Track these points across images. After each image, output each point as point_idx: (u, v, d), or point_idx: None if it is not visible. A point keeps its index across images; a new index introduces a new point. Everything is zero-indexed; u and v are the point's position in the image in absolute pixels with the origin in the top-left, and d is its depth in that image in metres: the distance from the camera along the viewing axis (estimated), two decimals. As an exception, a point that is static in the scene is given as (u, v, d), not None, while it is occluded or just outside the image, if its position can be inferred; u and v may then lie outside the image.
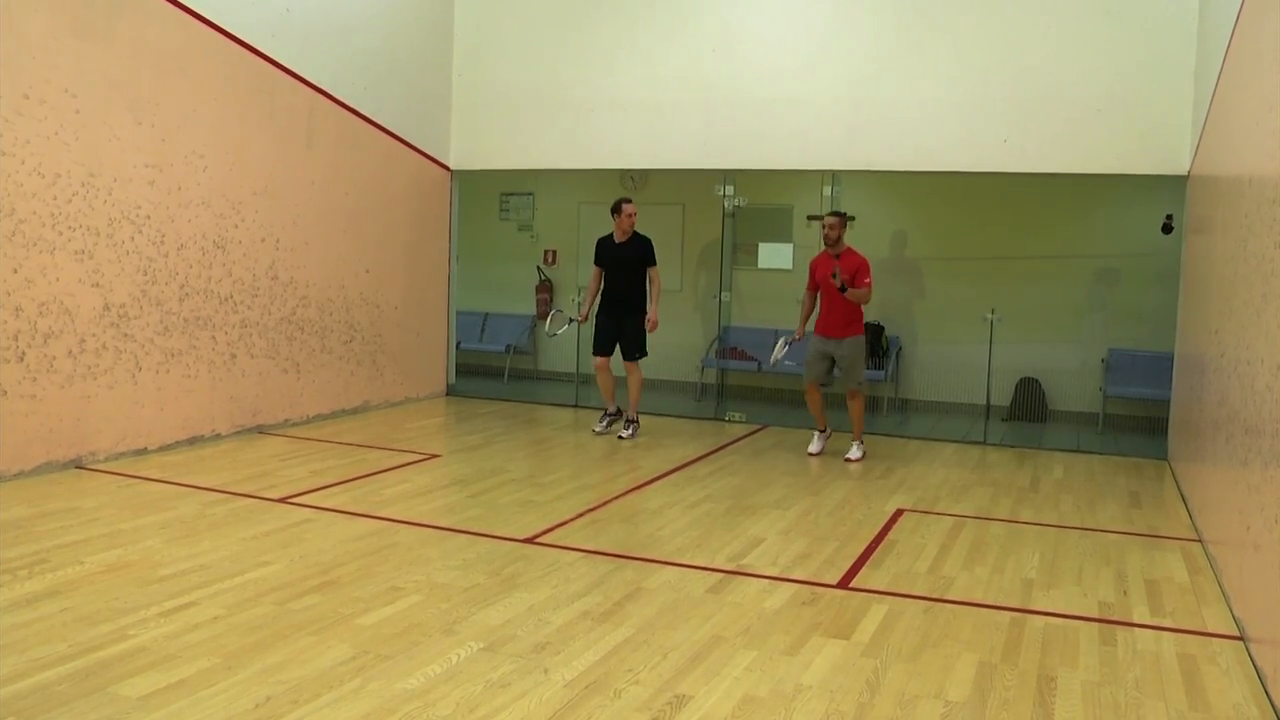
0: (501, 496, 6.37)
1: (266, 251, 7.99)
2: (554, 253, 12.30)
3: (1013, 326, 10.12)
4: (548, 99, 9.94)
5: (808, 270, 8.03)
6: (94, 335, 6.59)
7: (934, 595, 4.72)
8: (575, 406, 10.25)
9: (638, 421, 8.64)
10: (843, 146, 9.06)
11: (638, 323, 8.45)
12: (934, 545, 5.58)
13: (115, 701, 3.29)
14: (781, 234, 10.71)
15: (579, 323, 8.98)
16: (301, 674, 3.56)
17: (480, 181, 11.17)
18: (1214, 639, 4.27)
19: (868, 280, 7.76)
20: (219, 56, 7.46)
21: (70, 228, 6.38)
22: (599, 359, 8.58)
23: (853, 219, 10.13)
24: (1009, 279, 10.29)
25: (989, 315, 10.03)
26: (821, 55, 9.13)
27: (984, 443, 9.01)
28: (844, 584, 4.86)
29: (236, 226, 7.68)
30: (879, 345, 10.62)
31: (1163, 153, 8.26)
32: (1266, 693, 3.68)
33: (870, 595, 4.69)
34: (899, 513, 6.30)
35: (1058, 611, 4.55)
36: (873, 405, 10.80)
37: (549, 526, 5.67)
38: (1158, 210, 9.27)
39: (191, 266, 7.31)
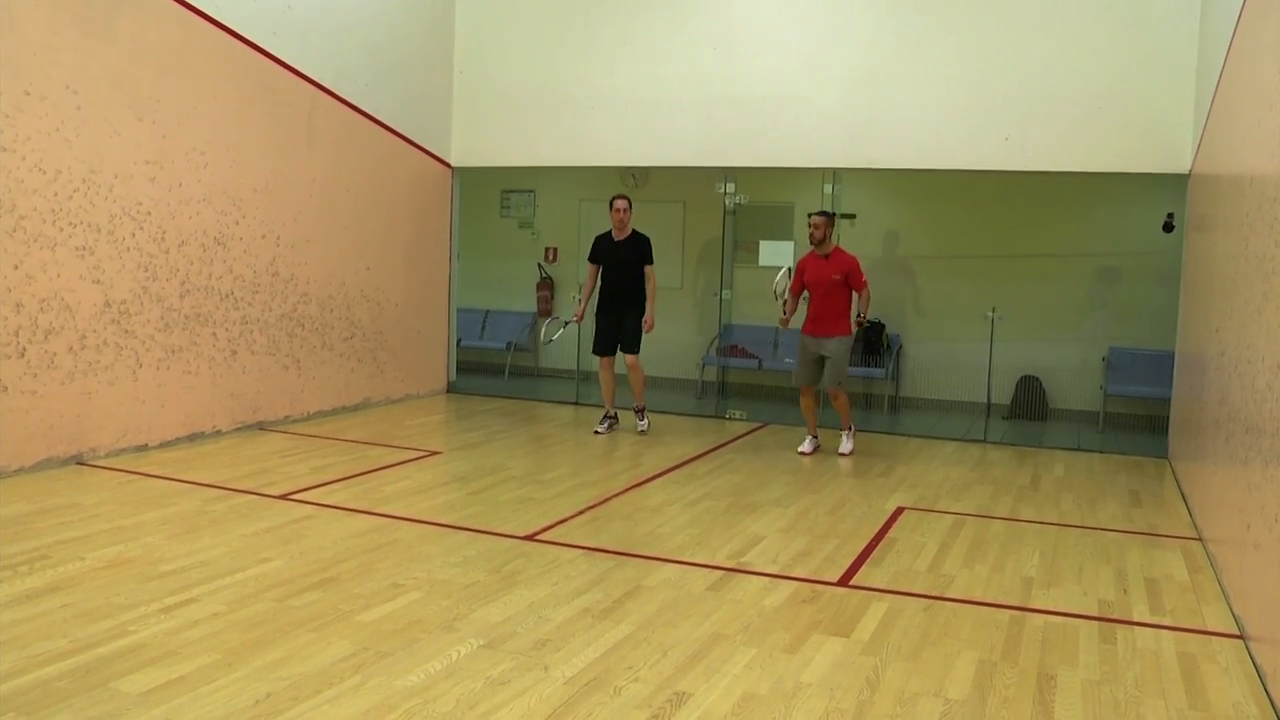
0: (502, 493, 6.37)
1: (267, 248, 7.99)
2: (555, 250, 12.30)
3: (1013, 325, 10.13)
4: (549, 96, 9.94)
5: (795, 271, 8.02)
6: (95, 331, 6.59)
7: (934, 593, 4.72)
8: (576, 404, 10.25)
9: (646, 407, 8.70)
10: (843, 144, 9.06)
11: (638, 320, 8.44)
12: (934, 543, 5.59)
13: (115, 697, 3.29)
14: (782, 232, 10.70)
15: (576, 322, 8.95)
16: (302, 670, 3.56)
17: (481, 179, 11.17)
18: (1214, 637, 4.27)
19: (863, 280, 7.77)
20: (220, 53, 7.46)
21: (71, 224, 6.38)
22: (602, 359, 8.57)
23: (853, 217, 10.19)
24: (1010, 277, 10.29)
25: (990, 313, 10.04)
26: (822, 53, 9.13)
27: (984, 441, 9.01)
28: (844, 582, 4.86)
29: (237, 223, 7.68)
30: (879, 343, 10.63)
31: (1164, 151, 8.25)
32: (1266, 691, 3.68)
33: (870, 593, 4.69)
34: (899, 511, 6.30)
35: (1058, 610, 4.55)
36: (873, 403, 10.81)
37: (549, 524, 5.67)
38: (1159, 209, 9.27)
39: (192, 263, 7.31)
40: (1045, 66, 8.49)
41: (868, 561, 5.20)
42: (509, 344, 12.10)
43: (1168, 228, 9.08)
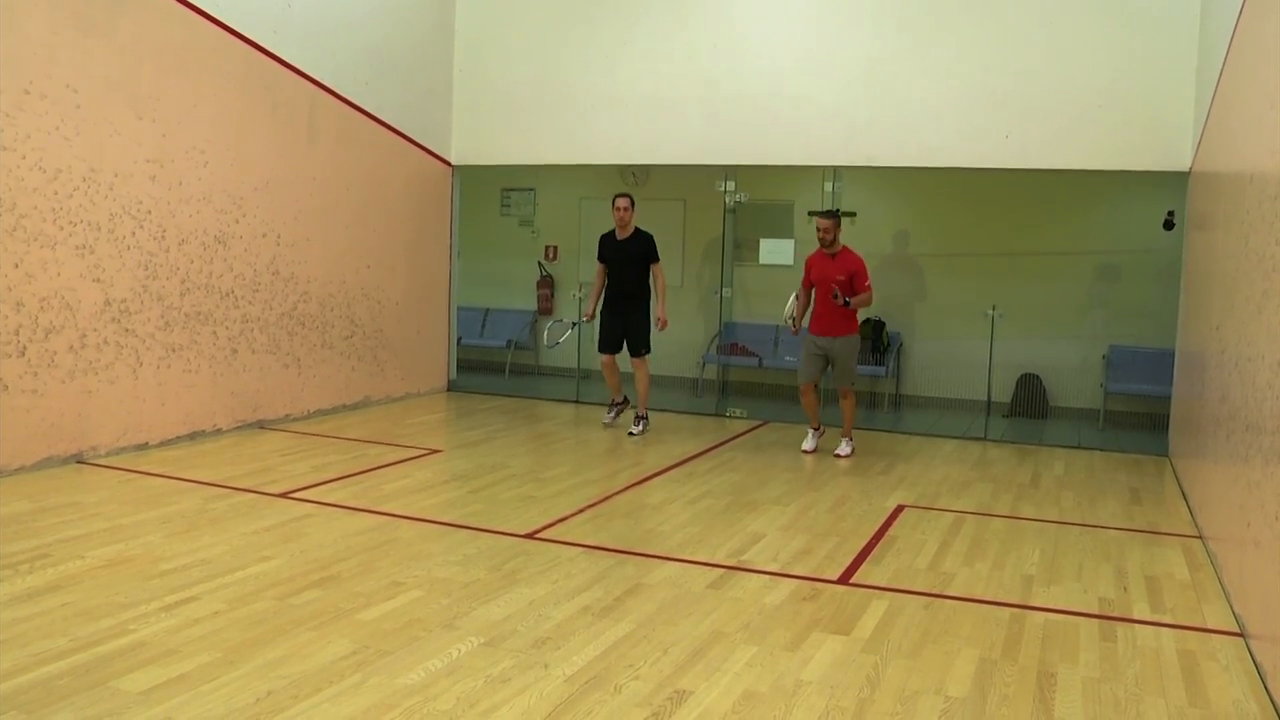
0: (502, 492, 6.37)
1: (268, 247, 7.99)
2: (555, 248, 12.30)
3: (1014, 322, 10.12)
4: (549, 94, 9.94)
5: (804, 267, 8.00)
6: (95, 330, 6.59)
7: (934, 591, 4.73)
8: (576, 402, 10.25)
9: (647, 417, 8.63)
10: (844, 142, 9.06)
11: (644, 318, 8.42)
12: (934, 541, 5.59)
13: (116, 696, 3.29)
14: (783, 230, 10.70)
15: (585, 321, 8.94)
16: (302, 669, 3.56)
17: (481, 177, 11.16)
18: (1214, 635, 4.27)
19: (867, 283, 7.74)
20: (220, 52, 7.46)
21: (71, 223, 6.38)
22: (606, 356, 8.55)
23: (853, 215, 10.18)
24: (1010, 275, 10.29)
25: (990, 311, 10.02)
26: (823, 51, 9.12)
27: (985, 439, 9.01)
28: (844, 580, 4.86)
29: (238, 222, 7.68)
30: (880, 341, 10.63)
31: (1164, 149, 8.25)
32: (1266, 689, 3.69)
33: (871, 591, 4.69)
34: (899, 509, 6.30)
35: (1058, 608, 4.55)
36: (873, 401, 10.82)
37: (550, 522, 5.67)
38: (1159, 206, 9.27)
39: (193, 262, 7.31)
40: (1046, 64, 8.49)
41: (868, 559, 5.20)
42: (509, 342, 12.09)
43: (1168, 225, 9.07)
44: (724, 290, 10.43)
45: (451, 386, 10.66)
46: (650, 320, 8.47)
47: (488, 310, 12.47)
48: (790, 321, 7.97)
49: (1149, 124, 8.27)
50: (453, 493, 6.41)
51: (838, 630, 4.16)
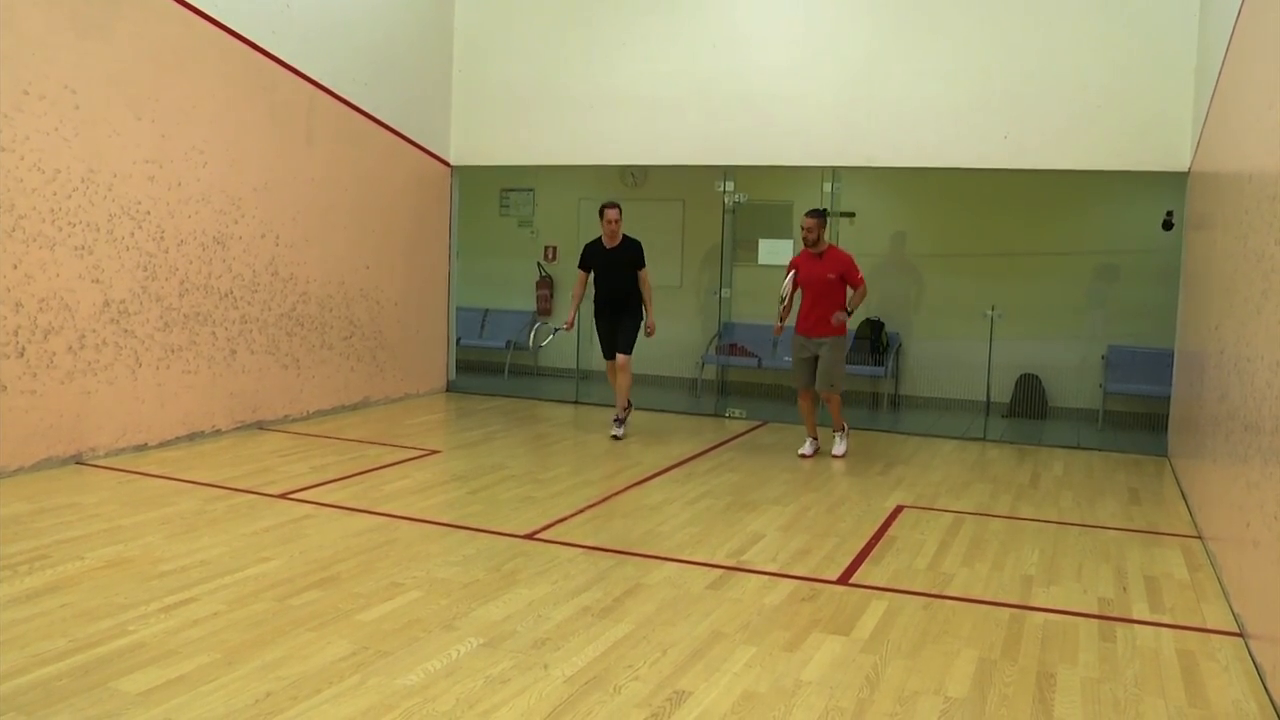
0: (501, 492, 6.37)
1: (266, 247, 7.99)
2: (554, 249, 12.29)
3: (1013, 323, 10.13)
4: (548, 95, 9.94)
5: (787, 268, 7.80)
6: (94, 331, 6.59)
7: (934, 591, 4.73)
8: (575, 403, 10.25)
9: (630, 406, 8.57)
10: (843, 143, 9.06)
11: (634, 321, 8.33)
12: (934, 542, 5.59)
13: (115, 697, 3.29)
14: (781, 230, 10.70)
15: (565, 330, 8.74)
16: (301, 670, 3.56)
17: (480, 177, 11.16)
18: (1213, 635, 4.27)
19: (860, 277, 7.62)
20: (219, 52, 7.45)
21: (70, 223, 6.38)
22: (610, 362, 8.46)
23: (852, 216, 10.18)
24: (1009, 275, 10.29)
25: (989, 312, 10.04)
26: (822, 51, 9.13)
27: (984, 439, 9.01)
28: (844, 580, 4.86)
29: (236, 222, 7.68)
30: (879, 342, 10.63)
31: (1163, 149, 8.25)
32: (1265, 689, 3.69)
33: (870, 591, 4.69)
34: (899, 509, 6.30)
35: (1057, 608, 4.55)
36: (872, 401, 10.81)
37: (549, 522, 5.67)
38: (1158, 206, 9.27)
39: (191, 262, 7.31)
40: (1044, 64, 8.49)
41: (867, 560, 5.20)
42: (508, 343, 12.09)
43: (1167, 226, 9.08)
44: (723, 291, 10.43)
45: (451, 387, 10.66)
46: (640, 324, 8.33)
47: (487, 311, 12.46)
48: (782, 305, 7.72)
49: (1148, 124, 8.27)
50: (452, 493, 6.40)
51: (837, 631, 4.16)
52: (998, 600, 4.64)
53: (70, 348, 6.42)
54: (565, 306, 11.52)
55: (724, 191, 9.90)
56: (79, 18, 6.37)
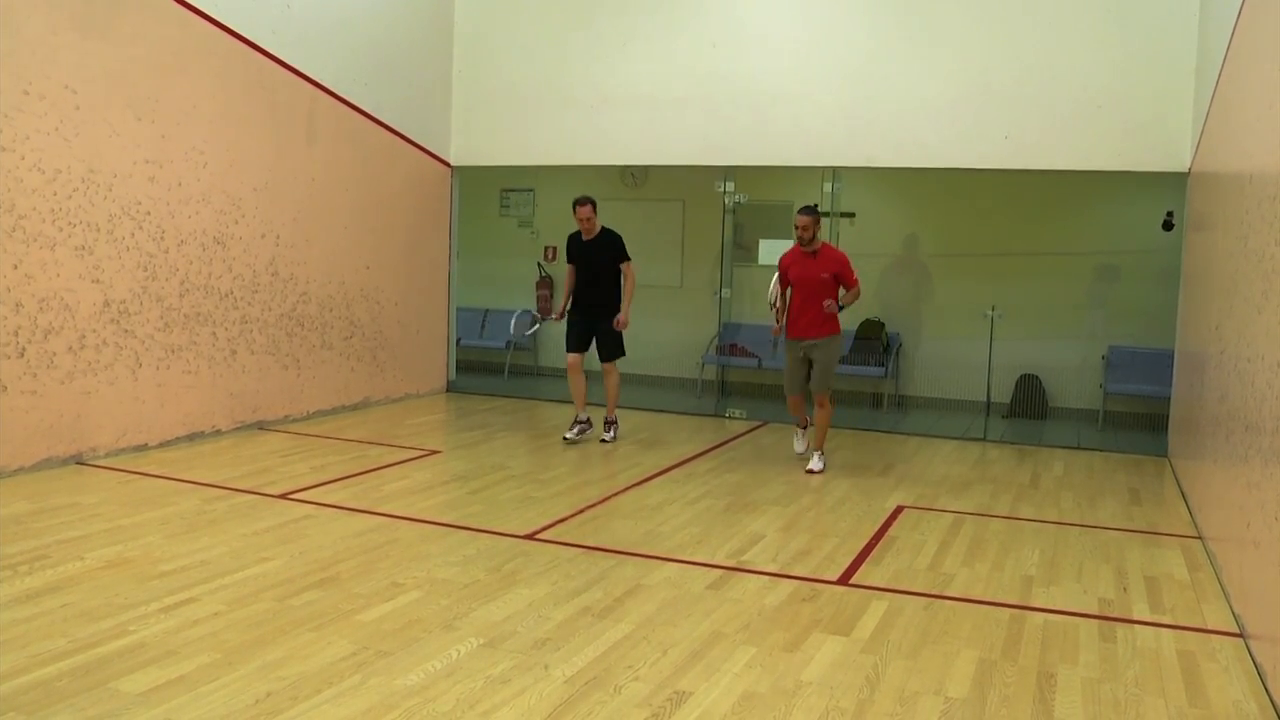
0: (502, 493, 6.37)
1: (267, 247, 7.99)
2: (554, 249, 12.26)
3: (1013, 323, 10.13)
4: (548, 95, 9.94)
5: (778, 266, 7.36)
6: (94, 331, 6.59)
7: (934, 592, 4.73)
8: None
9: (616, 422, 8.28)
10: (843, 143, 9.06)
11: (614, 328, 8.01)
12: (934, 542, 5.59)
13: (115, 697, 3.29)
14: (782, 230, 10.67)
15: (553, 319, 8.47)
16: (302, 670, 3.56)
17: (481, 177, 11.16)
18: (1213, 636, 4.27)
19: (855, 277, 7.22)
20: (219, 52, 7.45)
21: (70, 223, 6.38)
22: (571, 356, 8.10)
23: (852, 216, 10.18)
24: (1010, 276, 10.29)
25: (989, 312, 10.04)
26: (822, 52, 9.13)
27: (984, 439, 9.01)
28: (844, 580, 4.86)
29: (237, 222, 7.68)
30: (880, 342, 10.63)
31: (1163, 149, 8.25)
32: (1266, 689, 3.69)
33: (870, 592, 4.69)
34: (899, 509, 6.30)
35: (1058, 608, 4.55)
36: (873, 401, 10.81)
37: (549, 522, 5.67)
38: (1158, 207, 9.27)
39: (192, 263, 7.31)
40: (1044, 64, 8.49)
41: (867, 560, 5.20)
42: (508, 343, 12.08)
43: (1167, 226, 9.07)
44: (723, 291, 10.43)
45: (451, 387, 10.66)
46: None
47: (487, 311, 12.46)
48: (774, 310, 7.33)
49: (1148, 124, 8.27)
50: (452, 493, 6.40)
51: (837, 631, 4.16)
52: (998, 601, 4.64)
53: (70, 348, 6.42)
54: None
55: (724, 192, 9.90)
56: (79, 18, 6.37)
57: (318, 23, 8.42)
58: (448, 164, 10.31)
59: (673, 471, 7.19)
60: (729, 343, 10.99)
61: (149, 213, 6.94)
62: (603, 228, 8.05)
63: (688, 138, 9.50)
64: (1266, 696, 3.64)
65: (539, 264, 12.30)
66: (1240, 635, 4.25)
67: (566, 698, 3.42)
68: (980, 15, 8.69)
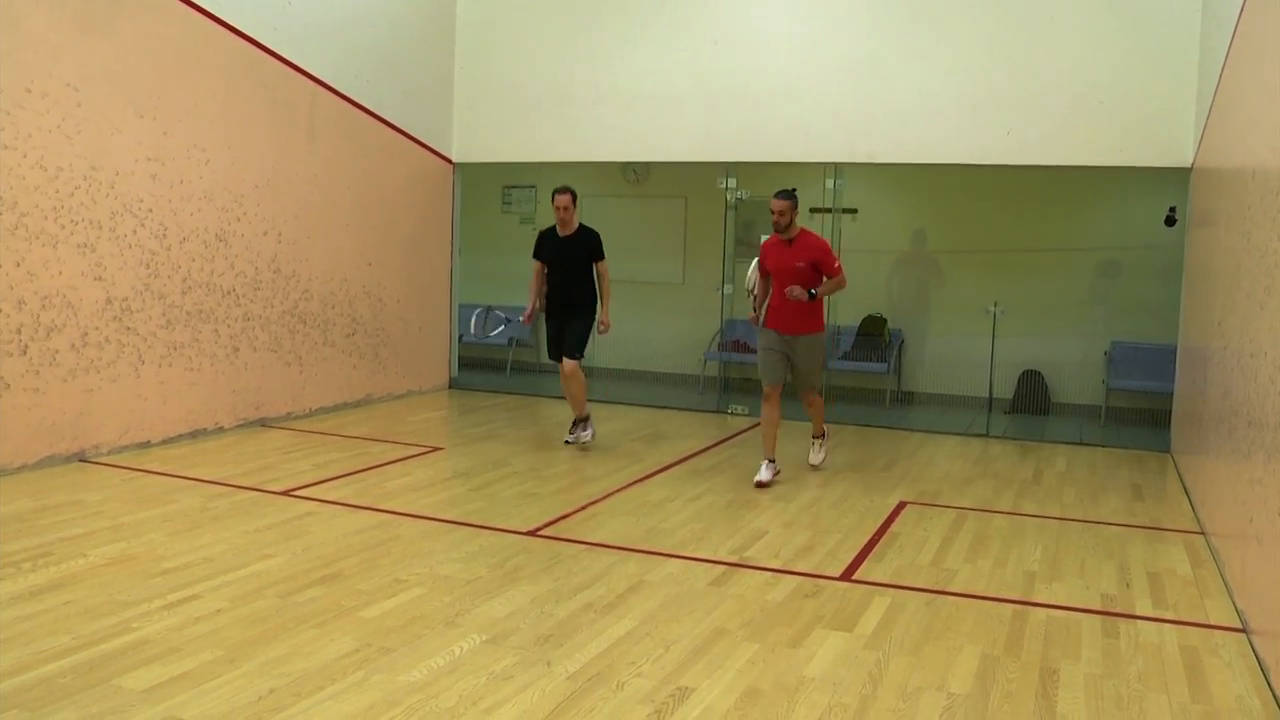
0: (504, 489, 6.37)
1: (269, 245, 7.99)
2: (556, 246, 12.27)
3: (1015, 319, 10.11)
4: (550, 92, 9.93)
5: (759, 254, 6.95)
6: (97, 329, 6.59)
7: (936, 588, 4.72)
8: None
9: (588, 419, 7.86)
10: (845, 139, 9.05)
11: (585, 321, 7.59)
12: (936, 538, 5.59)
13: (118, 694, 3.29)
14: (784, 227, 10.68)
15: (524, 324, 8.12)
16: (304, 666, 3.57)
17: (482, 174, 11.16)
18: (1216, 631, 4.27)
19: (836, 265, 6.71)
20: (220, 50, 7.45)
21: (73, 221, 6.38)
22: (561, 364, 7.69)
23: (854, 212, 10.17)
24: (1012, 272, 10.28)
25: (992, 308, 10.02)
26: (824, 48, 9.12)
27: (986, 435, 9.01)
28: (846, 576, 4.86)
29: (239, 220, 7.68)
30: (882, 338, 10.62)
31: (1166, 145, 8.24)
32: (1269, 684, 3.68)
33: (873, 588, 4.69)
34: (901, 505, 6.30)
35: (1060, 604, 4.55)
36: (875, 398, 10.81)
37: (552, 519, 5.67)
38: (1161, 203, 9.25)
39: (194, 260, 7.31)
40: (1047, 60, 8.48)
41: (870, 556, 5.20)
42: (511, 340, 12.09)
43: (1170, 221, 9.06)
44: (725, 287, 10.42)
45: (453, 384, 10.66)
46: (592, 323, 7.62)
47: (489, 308, 12.45)
48: (751, 298, 6.99)
49: (1150, 120, 8.26)
50: (455, 490, 6.41)
51: (840, 627, 4.16)
52: (1000, 596, 4.64)
53: (73, 345, 6.43)
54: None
55: (726, 188, 9.89)
56: (81, 16, 6.37)
57: (319, 20, 8.41)
58: (449, 160, 10.30)
59: (675, 468, 7.19)
60: (731, 339, 10.98)
61: (151, 210, 6.94)
62: (580, 224, 7.65)
63: (690, 134, 9.50)
64: (1269, 692, 3.64)
65: (541, 261, 12.28)
66: (1243, 631, 4.25)
67: (569, 694, 3.42)
68: (982, 11, 8.68)
